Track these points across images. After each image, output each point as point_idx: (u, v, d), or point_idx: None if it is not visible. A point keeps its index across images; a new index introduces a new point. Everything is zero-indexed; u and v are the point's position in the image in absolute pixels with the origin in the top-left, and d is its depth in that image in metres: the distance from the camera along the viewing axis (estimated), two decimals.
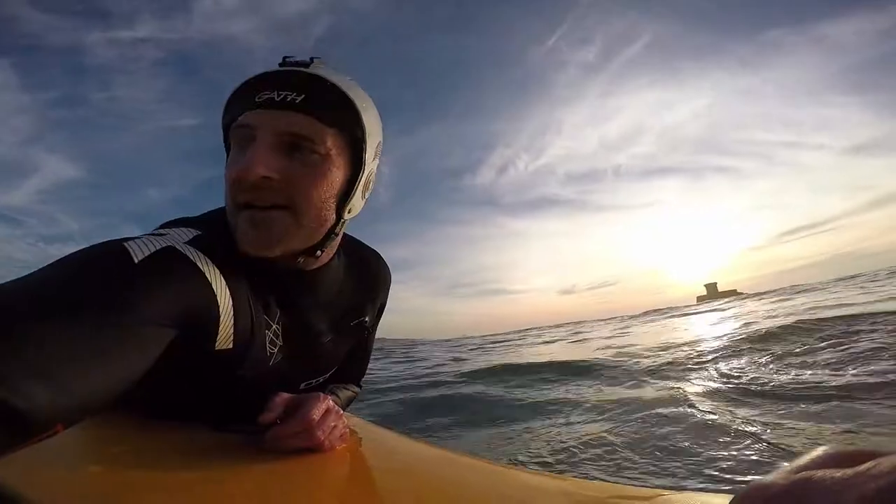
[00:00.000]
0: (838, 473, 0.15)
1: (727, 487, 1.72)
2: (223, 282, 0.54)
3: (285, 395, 0.61)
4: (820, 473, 0.16)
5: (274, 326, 0.65)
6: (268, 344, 0.64)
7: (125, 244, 0.48)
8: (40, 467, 0.46)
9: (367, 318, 0.83)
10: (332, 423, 0.62)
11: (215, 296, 0.53)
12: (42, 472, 0.46)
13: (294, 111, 0.55)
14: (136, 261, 0.46)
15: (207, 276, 0.52)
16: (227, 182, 0.57)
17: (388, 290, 0.89)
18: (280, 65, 0.58)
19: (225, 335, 0.55)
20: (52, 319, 0.37)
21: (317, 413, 0.60)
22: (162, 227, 0.59)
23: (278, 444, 0.59)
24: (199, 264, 0.51)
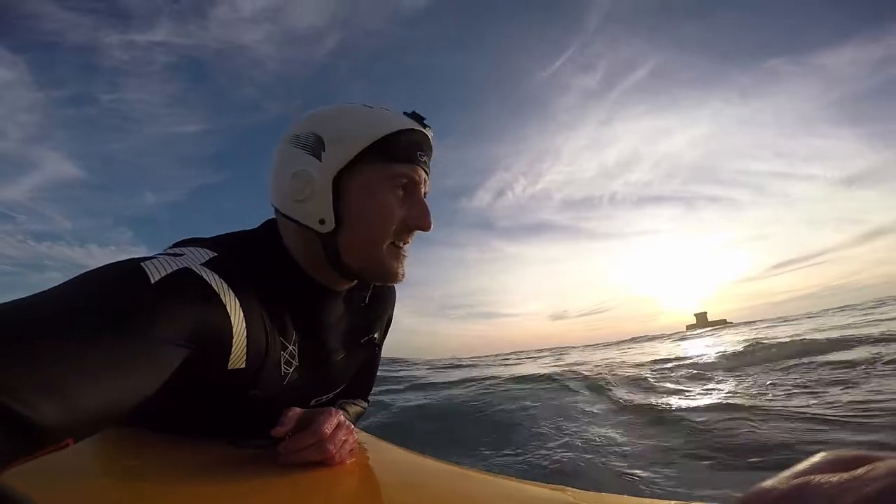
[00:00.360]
0: (835, 477, 0.15)
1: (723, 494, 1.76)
2: (237, 304, 0.55)
3: (297, 410, 0.61)
4: (818, 478, 0.16)
5: (290, 348, 0.65)
6: (283, 364, 0.64)
7: (142, 264, 0.49)
8: (53, 478, 0.47)
9: (376, 335, 0.84)
10: (343, 437, 0.62)
11: (229, 317, 0.53)
12: (55, 484, 0.46)
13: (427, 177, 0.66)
14: (152, 281, 0.47)
15: (222, 297, 0.53)
16: (385, 228, 0.62)
17: (395, 304, 0.89)
18: (423, 125, 0.64)
19: (238, 355, 0.56)
20: (66, 335, 0.38)
21: (328, 427, 0.60)
22: (176, 245, 0.60)
23: (291, 458, 0.59)
24: (214, 286, 0.52)
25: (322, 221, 0.60)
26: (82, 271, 0.48)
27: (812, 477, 0.16)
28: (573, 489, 0.54)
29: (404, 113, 0.63)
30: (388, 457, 0.76)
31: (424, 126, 0.64)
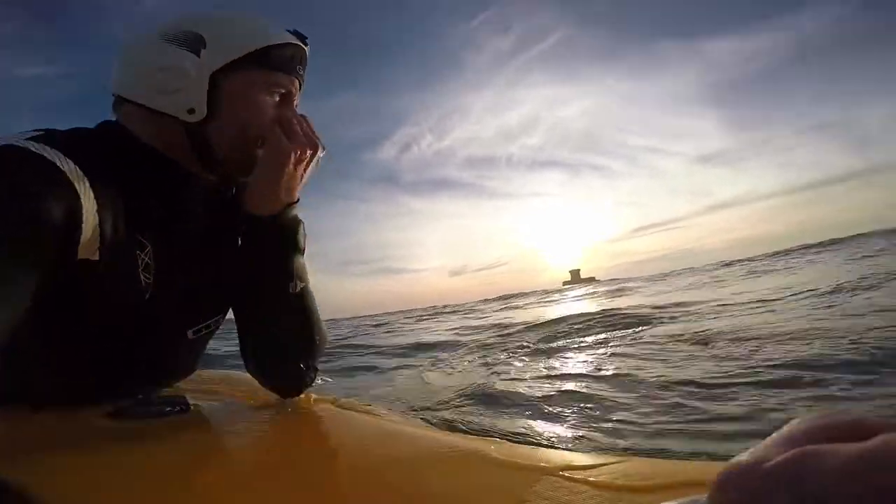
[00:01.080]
0: (843, 450, 0.11)
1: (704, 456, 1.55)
2: (85, 181, 0.50)
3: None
4: (823, 449, 0.11)
5: (148, 248, 0.58)
6: (141, 270, 0.58)
7: None
8: None
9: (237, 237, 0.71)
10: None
11: (73, 186, 0.49)
12: None
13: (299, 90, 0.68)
14: None
15: (60, 166, 0.48)
16: (253, 126, 0.62)
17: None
18: (302, 41, 0.65)
19: (90, 242, 0.52)
20: None
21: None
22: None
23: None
24: (47, 156, 0.48)
25: (192, 112, 0.60)
26: None
27: (813, 447, 0.12)
28: (497, 440, 0.53)
29: (287, 30, 0.65)
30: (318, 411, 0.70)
31: (305, 44, 0.66)
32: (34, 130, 0.53)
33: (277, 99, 0.65)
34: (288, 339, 0.66)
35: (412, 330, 9.68)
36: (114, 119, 0.64)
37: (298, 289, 0.64)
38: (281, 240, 0.64)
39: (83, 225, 0.50)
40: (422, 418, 2.09)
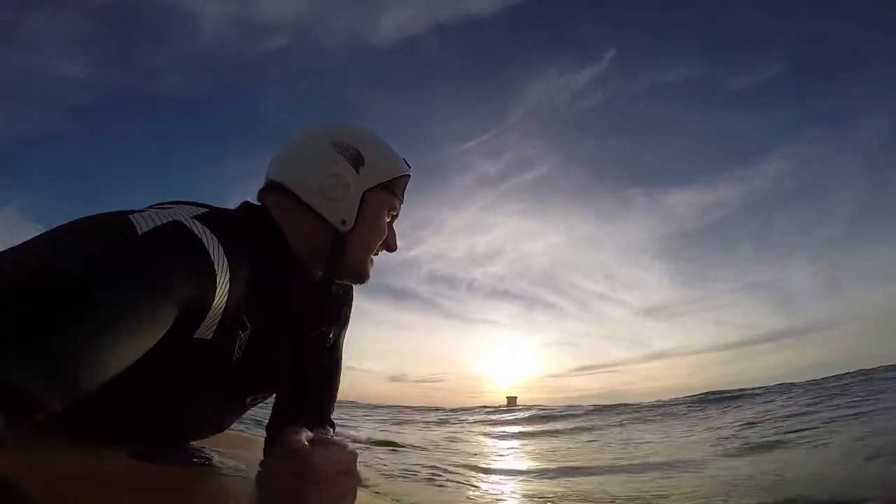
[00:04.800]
0: None
1: None
2: (226, 266, 0.52)
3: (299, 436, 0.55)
4: None
5: (248, 327, 0.61)
6: (237, 345, 0.60)
7: (130, 216, 0.47)
8: None
9: (329, 331, 0.79)
10: (338, 456, 0.55)
11: (216, 279, 0.51)
12: None
13: None
14: (139, 232, 0.45)
15: (211, 255, 0.50)
16: (377, 243, 0.72)
17: (352, 303, 0.86)
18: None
19: (209, 324, 0.53)
20: (51, 296, 0.37)
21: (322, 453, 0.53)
22: (155, 207, 0.56)
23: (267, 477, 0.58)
24: (205, 242, 0.50)
25: (344, 222, 0.68)
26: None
27: None
28: None
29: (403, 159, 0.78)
30: None
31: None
32: (198, 207, 0.56)
33: (388, 219, 0.74)
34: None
35: None
36: (257, 201, 0.70)
37: None
38: None
39: (210, 312, 0.52)
40: None
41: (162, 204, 0.57)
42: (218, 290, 0.51)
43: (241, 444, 0.79)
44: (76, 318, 0.37)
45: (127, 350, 0.41)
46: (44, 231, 0.46)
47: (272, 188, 0.69)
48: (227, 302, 0.53)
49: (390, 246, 0.76)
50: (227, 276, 0.52)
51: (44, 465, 0.53)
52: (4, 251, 0.42)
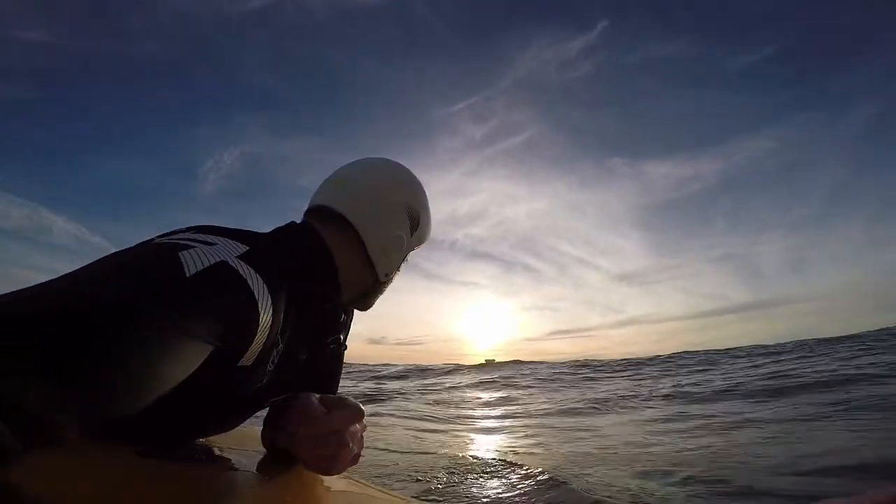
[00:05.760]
0: None
1: None
2: (269, 304, 0.54)
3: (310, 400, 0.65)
4: None
5: (280, 347, 0.63)
6: (270, 362, 0.62)
7: (179, 254, 0.47)
8: None
9: (340, 336, 0.83)
10: (360, 429, 0.67)
11: (258, 317, 0.52)
12: None
13: None
14: (187, 274, 0.46)
15: (256, 295, 0.51)
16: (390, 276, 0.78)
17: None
18: None
19: (251, 354, 0.54)
20: (91, 328, 0.37)
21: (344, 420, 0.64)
22: (198, 230, 0.57)
23: (301, 452, 0.64)
24: (250, 283, 0.51)
25: (387, 275, 0.75)
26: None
27: None
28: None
29: None
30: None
31: None
32: (239, 241, 0.56)
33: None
34: None
35: None
36: (306, 217, 0.74)
37: None
38: None
39: (251, 347, 0.53)
40: None
41: (202, 230, 0.57)
42: (261, 326, 0.53)
43: (239, 438, 0.83)
44: (112, 352, 0.37)
45: (159, 386, 0.42)
46: None
47: (330, 216, 0.72)
48: (268, 335, 0.55)
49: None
50: (271, 313, 0.54)
51: (47, 464, 0.54)
52: (53, 279, 0.42)
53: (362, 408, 0.67)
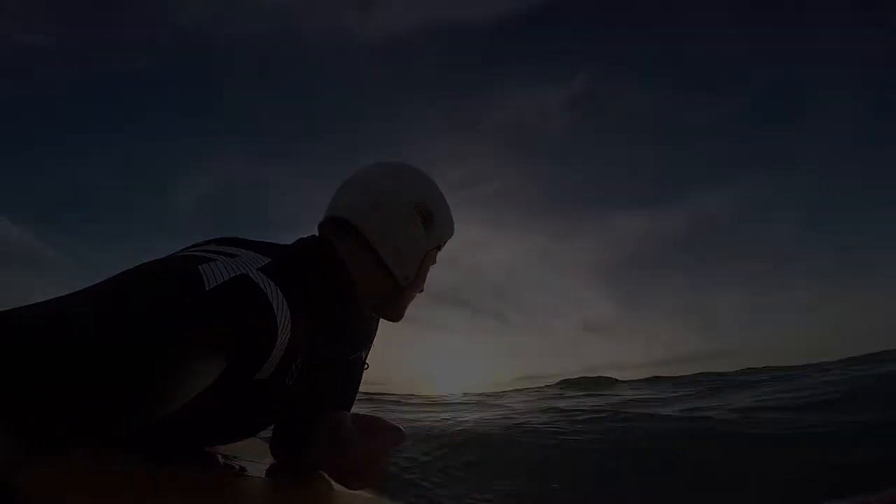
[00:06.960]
0: None
1: None
2: (288, 317, 0.53)
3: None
4: None
5: (300, 361, 0.62)
6: (288, 377, 0.61)
7: (199, 266, 0.47)
8: None
9: (363, 353, 0.82)
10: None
11: (277, 331, 0.51)
12: None
13: None
14: (206, 288, 0.45)
15: (275, 309, 0.51)
16: (418, 292, 0.77)
17: (378, 323, 0.88)
18: None
19: (268, 367, 0.54)
20: (111, 339, 0.37)
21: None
22: (220, 242, 0.57)
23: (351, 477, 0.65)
24: (269, 296, 0.51)
25: (406, 278, 0.72)
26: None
27: None
28: None
29: None
30: None
31: None
32: (261, 253, 0.55)
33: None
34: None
35: None
36: (319, 230, 0.73)
37: None
38: None
39: (269, 360, 0.53)
40: None
41: (228, 241, 0.58)
42: (279, 340, 0.52)
43: (245, 444, 0.81)
44: (129, 365, 0.37)
45: (176, 399, 0.42)
46: None
47: (342, 225, 0.70)
48: (286, 349, 0.55)
49: (421, 289, 0.79)
50: (289, 326, 0.53)
51: (51, 467, 0.52)
52: (75, 292, 0.42)
53: (403, 431, 0.66)
